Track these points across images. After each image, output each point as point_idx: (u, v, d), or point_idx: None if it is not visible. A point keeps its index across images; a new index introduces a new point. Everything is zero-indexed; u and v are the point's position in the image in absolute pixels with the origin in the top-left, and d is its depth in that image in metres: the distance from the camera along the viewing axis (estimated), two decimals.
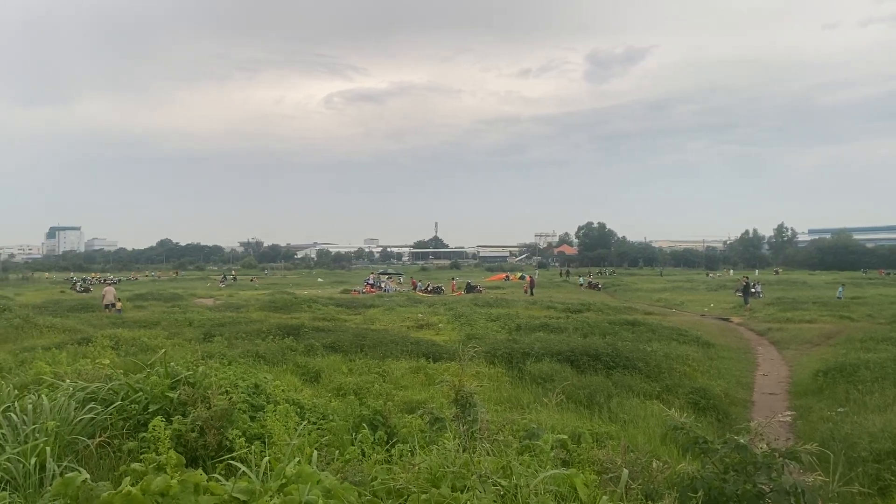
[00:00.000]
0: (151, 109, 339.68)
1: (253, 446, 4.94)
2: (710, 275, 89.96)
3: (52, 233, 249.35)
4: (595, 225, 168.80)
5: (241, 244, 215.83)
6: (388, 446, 5.67)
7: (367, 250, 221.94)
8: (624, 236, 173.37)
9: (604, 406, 11.92)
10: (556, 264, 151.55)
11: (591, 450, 5.77)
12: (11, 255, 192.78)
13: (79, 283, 64.18)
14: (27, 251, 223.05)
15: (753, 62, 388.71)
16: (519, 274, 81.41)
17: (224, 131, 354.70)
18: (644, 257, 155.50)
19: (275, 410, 5.81)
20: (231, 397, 6.41)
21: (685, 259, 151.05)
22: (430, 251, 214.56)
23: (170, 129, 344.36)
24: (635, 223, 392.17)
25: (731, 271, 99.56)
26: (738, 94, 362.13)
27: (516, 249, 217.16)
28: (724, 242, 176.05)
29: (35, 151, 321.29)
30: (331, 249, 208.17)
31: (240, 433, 5.55)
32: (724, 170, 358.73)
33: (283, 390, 7.97)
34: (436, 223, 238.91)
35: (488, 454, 4.28)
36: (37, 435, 5.38)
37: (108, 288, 33.87)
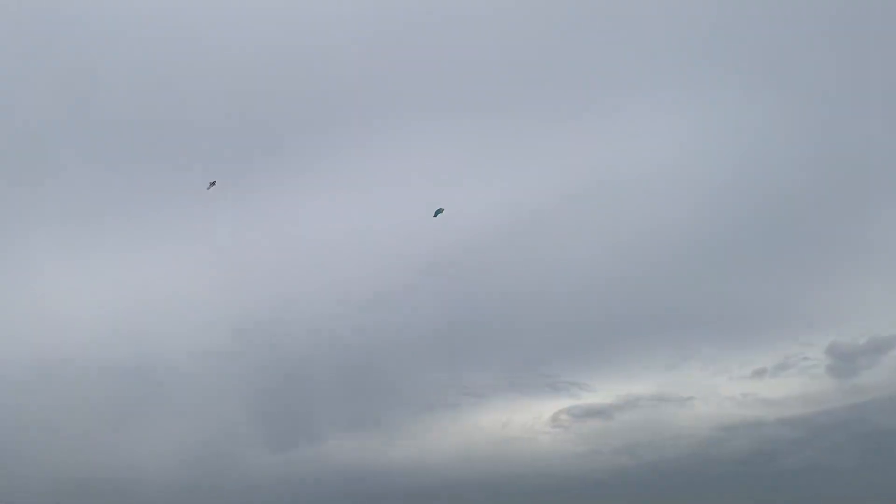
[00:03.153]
0: (388, 443, 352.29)
1: None
2: None
3: None
4: None
5: None
6: None
7: None
8: None
9: None
10: None
11: None
12: None
13: None
14: None
15: None
16: None
17: (455, 458, 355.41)
18: None
19: None
20: None
21: None
22: None
23: (405, 461, 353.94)
24: None
25: None
26: None
27: None
28: None
29: (288, 491, 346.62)
30: None
31: None
32: None
33: None
34: None
35: None
36: None
37: None
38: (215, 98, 76.13)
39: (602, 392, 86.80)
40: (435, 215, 54.68)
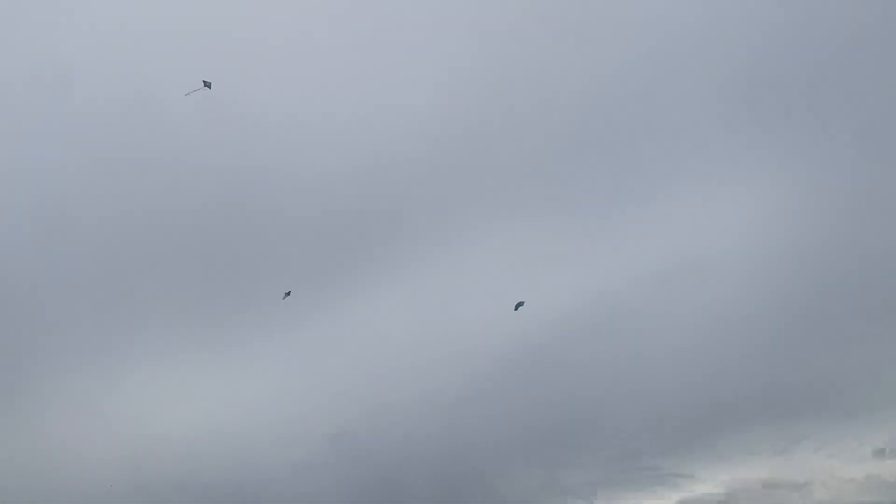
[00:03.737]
0: None
1: None
2: None
3: None
4: None
5: None
6: None
7: None
8: None
9: None
10: None
11: None
12: None
13: None
14: None
15: None
16: None
17: None
18: None
19: None
20: None
21: None
22: None
23: None
24: None
25: None
26: None
27: None
28: None
29: None
30: None
31: None
32: None
33: None
34: None
35: None
36: None
37: None
38: (291, 207, 78.59)
39: (710, 482, 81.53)
40: (516, 308, 54.41)
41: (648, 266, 71.87)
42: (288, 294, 55.52)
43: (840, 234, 71.91)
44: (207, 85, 47.48)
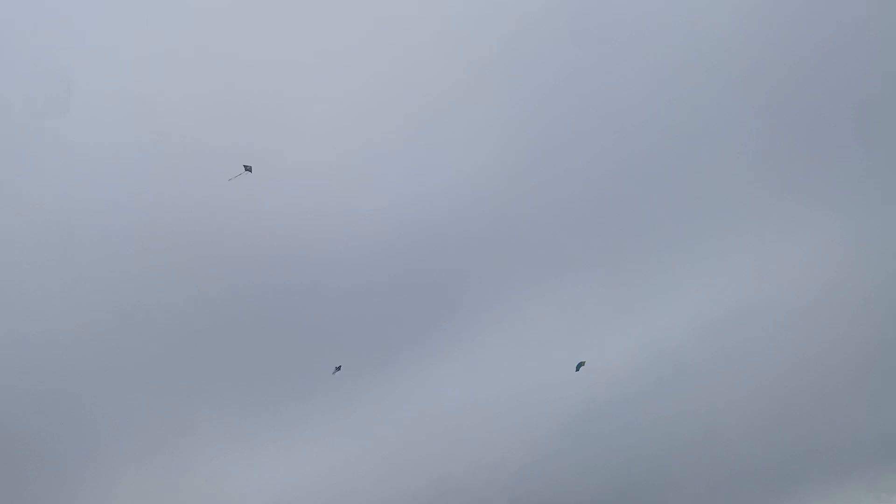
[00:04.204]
0: None
1: None
2: None
3: None
4: None
5: None
6: None
7: None
8: None
9: None
10: None
11: None
12: None
13: None
14: None
15: None
16: None
17: None
18: None
19: None
20: None
21: None
22: None
23: None
24: None
25: None
26: None
27: None
28: None
29: None
30: None
31: None
32: None
33: None
34: None
35: None
36: None
37: None
38: (339, 279, 78.06)
39: None
40: (577, 369, 53.23)
41: (707, 318, 70.11)
42: (338, 368, 54.89)
43: None
44: (248, 169, 48.07)
